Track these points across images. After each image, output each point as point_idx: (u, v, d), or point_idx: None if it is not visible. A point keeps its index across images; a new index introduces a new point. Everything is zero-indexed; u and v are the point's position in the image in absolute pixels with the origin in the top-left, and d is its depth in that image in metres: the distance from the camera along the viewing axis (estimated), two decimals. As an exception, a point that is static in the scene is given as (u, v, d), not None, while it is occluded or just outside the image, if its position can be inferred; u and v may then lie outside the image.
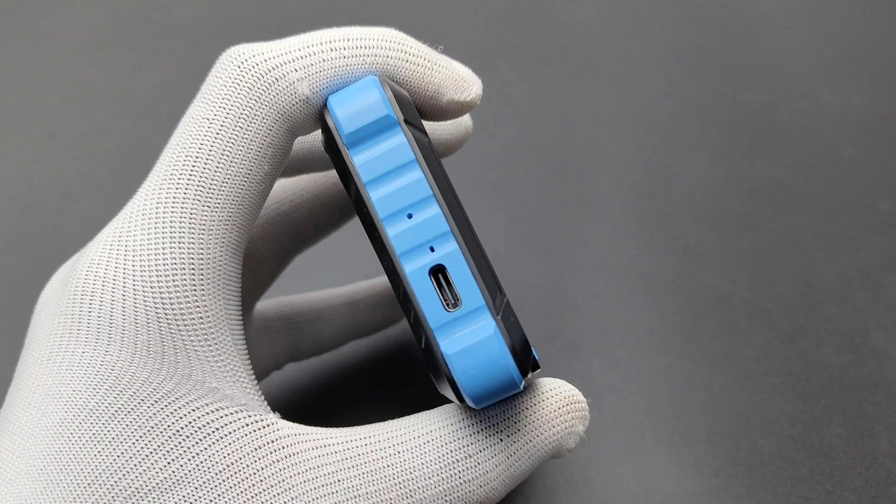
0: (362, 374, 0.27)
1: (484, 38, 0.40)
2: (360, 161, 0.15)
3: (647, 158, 0.33)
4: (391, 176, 0.15)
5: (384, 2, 0.40)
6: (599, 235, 0.30)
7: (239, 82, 0.16)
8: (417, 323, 0.15)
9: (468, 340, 0.14)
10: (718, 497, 0.23)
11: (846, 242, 0.29)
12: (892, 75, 0.36)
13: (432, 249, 0.15)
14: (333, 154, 0.16)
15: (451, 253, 0.15)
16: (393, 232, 0.15)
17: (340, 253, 0.29)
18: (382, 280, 0.25)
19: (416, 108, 0.17)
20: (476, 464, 0.16)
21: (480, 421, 0.16)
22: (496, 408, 0.16)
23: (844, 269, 0.29)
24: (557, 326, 0.27)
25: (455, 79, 0.17)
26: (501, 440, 0.16)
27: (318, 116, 0.16)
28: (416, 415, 0.16)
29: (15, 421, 0.15)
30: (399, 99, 0.16)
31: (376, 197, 0.15)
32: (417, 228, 0.15)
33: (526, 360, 0.15)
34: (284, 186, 0.22)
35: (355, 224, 0.23)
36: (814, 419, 0.25)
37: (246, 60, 0.16)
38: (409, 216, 0.15)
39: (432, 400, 0.18)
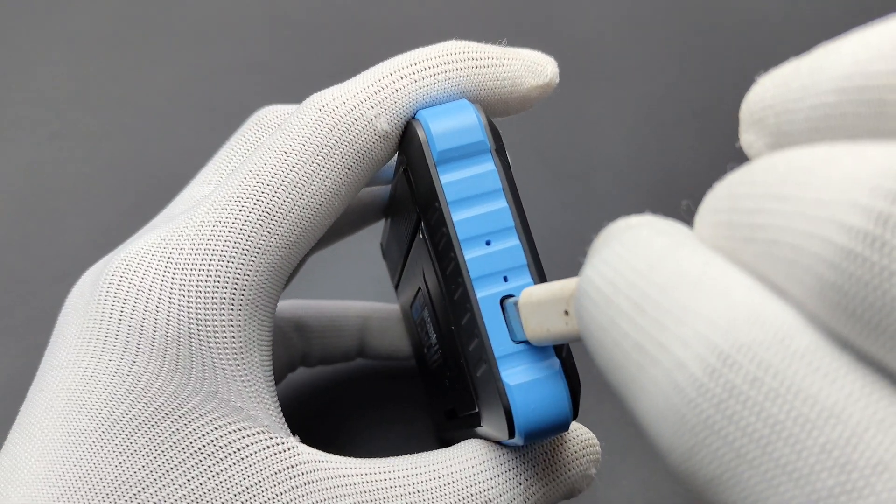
0: (366, 386, 0.27)
1: (484, 39, 0.40)
2: (448, 180, 0.15)
3: (650, 159, 0.33)
4: (476, 200, 0.15)
5: (385, 4, 0.40)
6: (600, 235, 0.30)
7: (320, 123, 0.16)
8: (479, 350, 0.15)
9: (532, 374, 0.14)
10: (719, 496, 0.23)
11: (847, 242, 0.29)
12: (893, 76, 0.36)
13: (506, 279, 0.15)
14: (416, 170, 0.16)
15: (524, 286, 0.15)
16: (470, 255, 0.15)
17: (350, 258, 0.30)
18: (394, 308, 0.25)
19: (502, 139, 0.17)
20: None
21: (501, 465, 0.16)
22: (517, 451, 0.16)
23: (845, 269, 0.29)
24: (558, 326, 0.28)
25: (528, 65, 0.17)
26: (520, 484, 0.16)
27: (398, 143, 0.17)
28: (437, 452, 0.16)
29: (36, 423, 0.15)
30: (491, 125, 0.16)
31: (458, 218, 0.15)
32: (495, 256, 0.15)
33: (577, 403, 0.15)
34: None
35: (370, 230, 0.23)
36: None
37: (326, 104, 0.16)
38: (488, 243, 0.15)
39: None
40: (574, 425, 0.17)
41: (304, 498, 0.15)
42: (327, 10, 0.41)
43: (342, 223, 0.22)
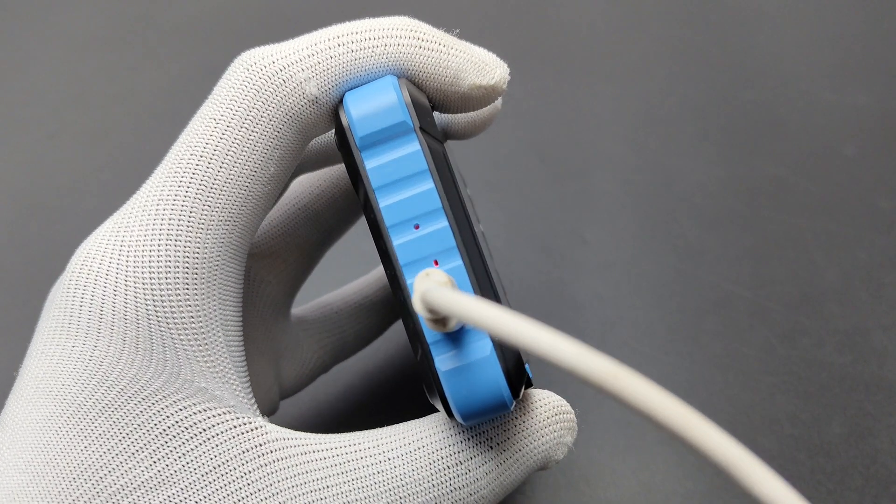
0: (356, 384, 0.27)
1: (485, 38, 0.40)
2: (372, 165, 0.15)
3: (648, 158, 0.33)
4: (402, 184, 0.15)
5: (385, 4, 0.40)
6: (600, 235, 0.30)
7: (247, 84, 0.16)
8: (415, 335, 0.15)
9: (464, 359, 0.14)
10: (719, 496, 0.23)
11: (847, 241, 0.29)
12: (893, 74, 0.36)
13: (436, 263, 0.15)
14: (346, 153, 0.16)
15: (454, 268, 0.15)
16: (398, 241, 0.15)
17: (359, 243, 0.29)
18: None
19: (433, 114, 0.16)
20: (466, 471, 0.15)
21: (471, 429, 0.16)
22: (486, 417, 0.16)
23: (845, 268, 0.29)
24: (558, 326, 0.27)
25: (475, 62, 0.16)
26: (491, 448, 0.16)
27: (331, 113, 0.16)
28: (406, 423, 0.16)
29: (9, 412, 0.15)
30: (417, 104, 0.15)
31: (384, 204, 0.15)
32: (423, 240, 0.15)
33: (519, 382, 0.15)
34: (302, 179, 0.22)
35: None
36: (814, 418, 0.25)
37: (255, 63, 0.16)
38: (417, 227, 0.15)
39: (423, 408, 0.18)
40: (545, 393, 0.16)
41: (273, 475, 0.15)
42: (327, 9, 0.41)
43: (343, 207, 0.22)
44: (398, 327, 0.28)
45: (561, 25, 0.40)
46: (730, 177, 0.32)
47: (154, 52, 0.39)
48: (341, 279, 0.26)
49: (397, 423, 0.16)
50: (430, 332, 0.14)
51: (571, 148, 0.34)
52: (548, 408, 0.16)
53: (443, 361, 0.14)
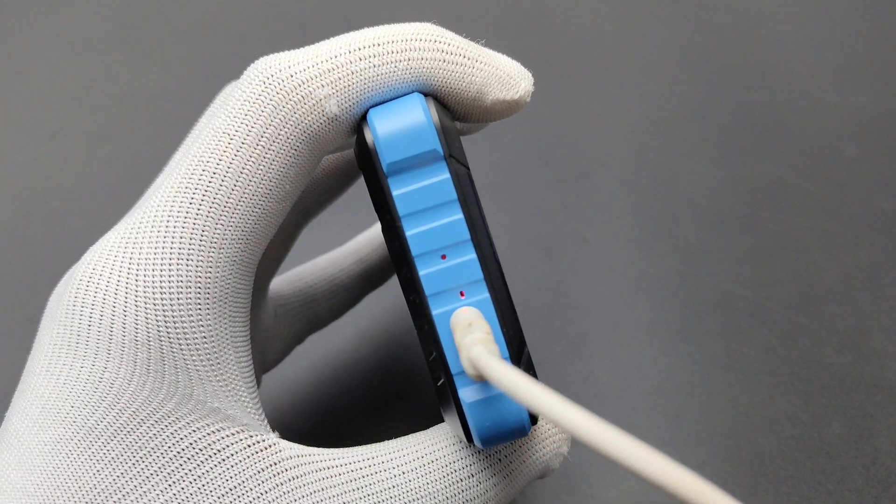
0: (358, 386, 0.27)
1: (486, 39, 0.39)
2: (399, 192, 0.14)
3: (649, 159, 0.33)
4: (430, 213, 0.14)
5: (385, 4, 0.40)
6: (602, 236, 0.30)
7: (263, 99, 0.15)
8: (437, 363, 0.15)
9: (488, 391, 0.14)
10: (720, 496, 0.23)
11: (847, 242, 0.30)
12: (894, 75, 0.36)
13: (462, 294, 0.15)
14: (369, 175, 0.15)
15: (481, 301, 0.15)
16: (425, 271, 0.14)
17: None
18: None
19: (458, 134, 0.16)
20: (478, 483, 0.16)
21: None
22: None
23: (845, 268, 0.29)
24: (560, 327, 0.28)
25: (500, 76, 0.15)
26: (500, 460, 0.16)
27: (350, 129, 0.15)
28: (417, 434, 0.16)
29: (13, 431, 0.15)
30: (445, 129, 0.15)
31: (411, 233, 0.14)
32: (450, 271, 0.14)
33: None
34: None
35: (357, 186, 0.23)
36: (815, 419, 0.25)
37: (272, 76, 0.15)
38: (444, 257, 0.15)
39: (429, 411, 0.18)
40: None
41: (291, 493, 0.15)
42: (327, 9, 0.41)
43: (326, 187, 0.21)
44: (382, 321, 0.28)
45: (563, 27, 0.40)
46: (731, 177, 0.32)
47: (156, 53, 0.40)
48: (314, 251, 0.26)
49: (398, 422, 0.17)
50: (454, 362, 0.14)
51: (573, 149, 0.34)
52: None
53: (467, 393, 0.14)
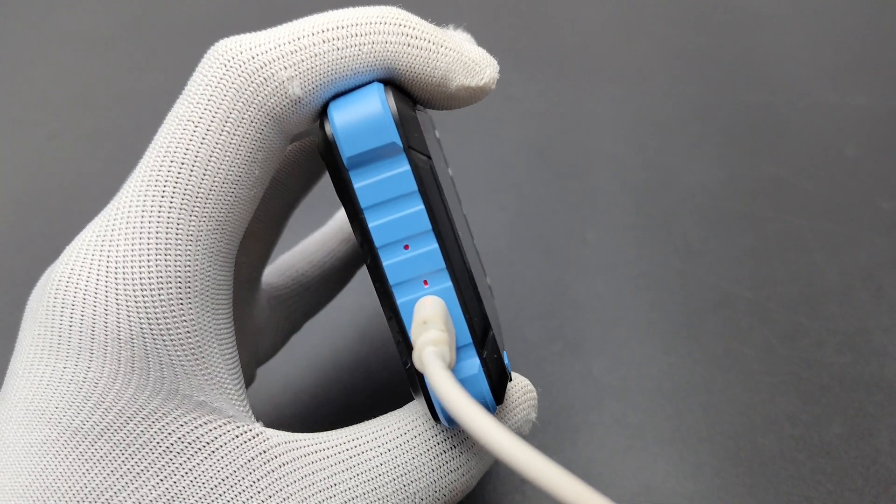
0: (353, 381, 0.27)
1: (486, 39, 0.40)
2: (361, 185, 0.15)
3: (649, 158, 0.33)
4: (391, 204, 0.15)
5: (384, 1, 0.40)
6: (601, 235, 0.30)
7: (225, 82, 0.15)
8: (404, 350, 0.15)
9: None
10: (719, 497, 0.23)
11: (847, 242, 0.29)
12: (894, 75, 0.36)
13: (426, 283, 0.15)
14: (331, 166, 0.15)
15: (443, 290, 0.15)
16: (388, 261, 0.15)
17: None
18: None
19: (420, 128, 0.16)
20: (459, 454, 0.16)
21: None
22: None
23: (846, 268, 0.29)
24: (559, 326, 0.28)
25: (465, 62, 0.15)
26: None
27: (314, 113, 0.15)
28: (395, 412, 0.17)
29: None
30: (404, 118, 0.15)
31: (374, 224, 0.15)
32: (413, 261, 0.15)
33: (503, 387, 0.15)
34: None
35: None
36: (815, 419, 0.25)
37: (233, 58, 0.15)
38: (406, 247, 0.15)
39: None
40: (514, 377, 0.17)
41: (281, 480, 0.15)
42: (329, 7, 0.41)
43: (307, 171, 0.21)
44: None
45: (562, 26, 0.40)
46: (730, 177, 0.32)
47: (156, 53, 0.40)
48: (302, 236, 0.26)
49: (384, 405, 0.17)
50: None
51: (572, 148, 0.34)
52: (517, 390, 0.17)
53: None
